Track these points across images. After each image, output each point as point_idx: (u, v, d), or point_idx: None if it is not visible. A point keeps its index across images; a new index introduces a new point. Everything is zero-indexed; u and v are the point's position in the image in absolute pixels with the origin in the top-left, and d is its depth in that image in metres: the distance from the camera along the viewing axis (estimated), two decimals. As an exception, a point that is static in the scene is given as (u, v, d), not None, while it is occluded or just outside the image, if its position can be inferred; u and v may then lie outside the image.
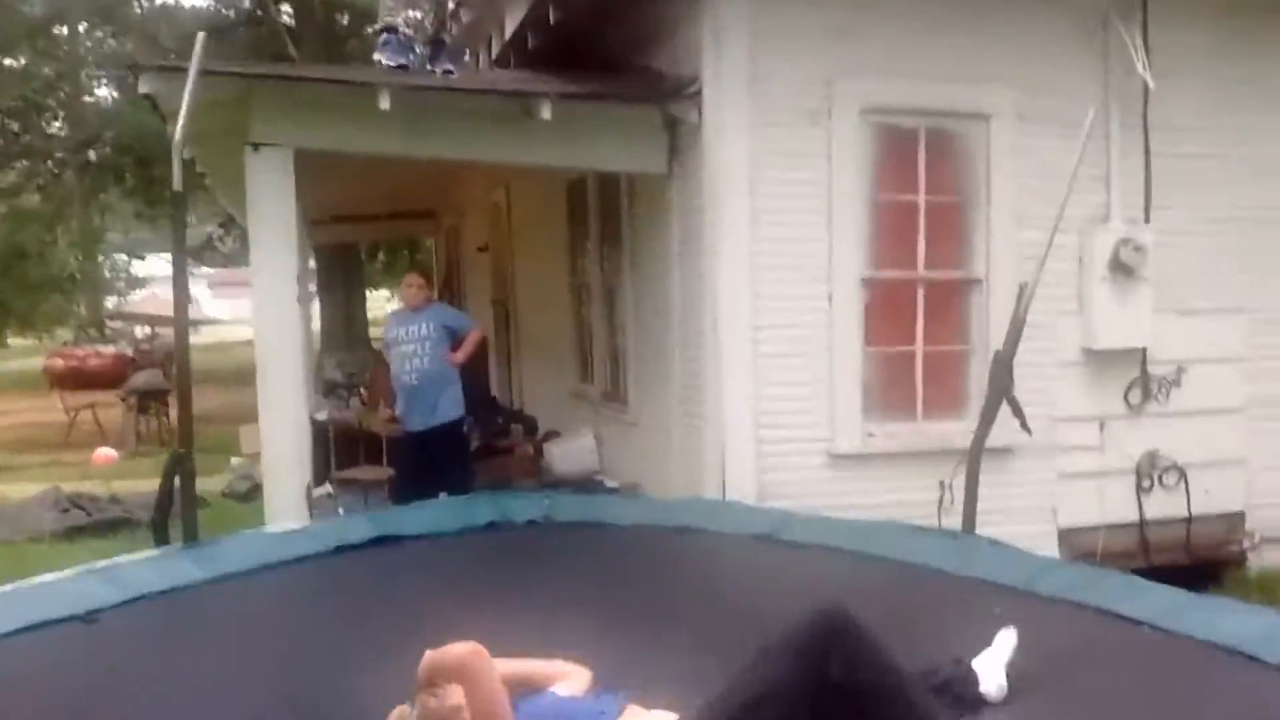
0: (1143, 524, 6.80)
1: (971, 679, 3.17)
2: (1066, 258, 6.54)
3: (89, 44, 23.36)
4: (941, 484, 6.25)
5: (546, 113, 5.65)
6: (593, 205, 8.08)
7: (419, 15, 6.20)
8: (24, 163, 19.97)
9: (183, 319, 4.97)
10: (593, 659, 3.13)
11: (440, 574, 4.39)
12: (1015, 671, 3.29)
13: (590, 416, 8.46)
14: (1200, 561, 6.87)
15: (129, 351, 21.03)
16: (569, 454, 8.22)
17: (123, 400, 14.49)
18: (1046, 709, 3.18)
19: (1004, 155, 6.39)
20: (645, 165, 6.44)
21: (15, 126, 19.34)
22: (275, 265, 5.77)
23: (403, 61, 6.08)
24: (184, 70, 4.83)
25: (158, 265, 25.96)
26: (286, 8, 20.80)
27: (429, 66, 6.15)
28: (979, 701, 3.15)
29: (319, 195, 12.25)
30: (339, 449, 7.21)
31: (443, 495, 5.98)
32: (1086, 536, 6.68)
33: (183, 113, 4.54)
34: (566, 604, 3.88)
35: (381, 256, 28.10)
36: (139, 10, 22.50)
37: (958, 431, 6.25)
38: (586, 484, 7.56)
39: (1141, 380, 6.80)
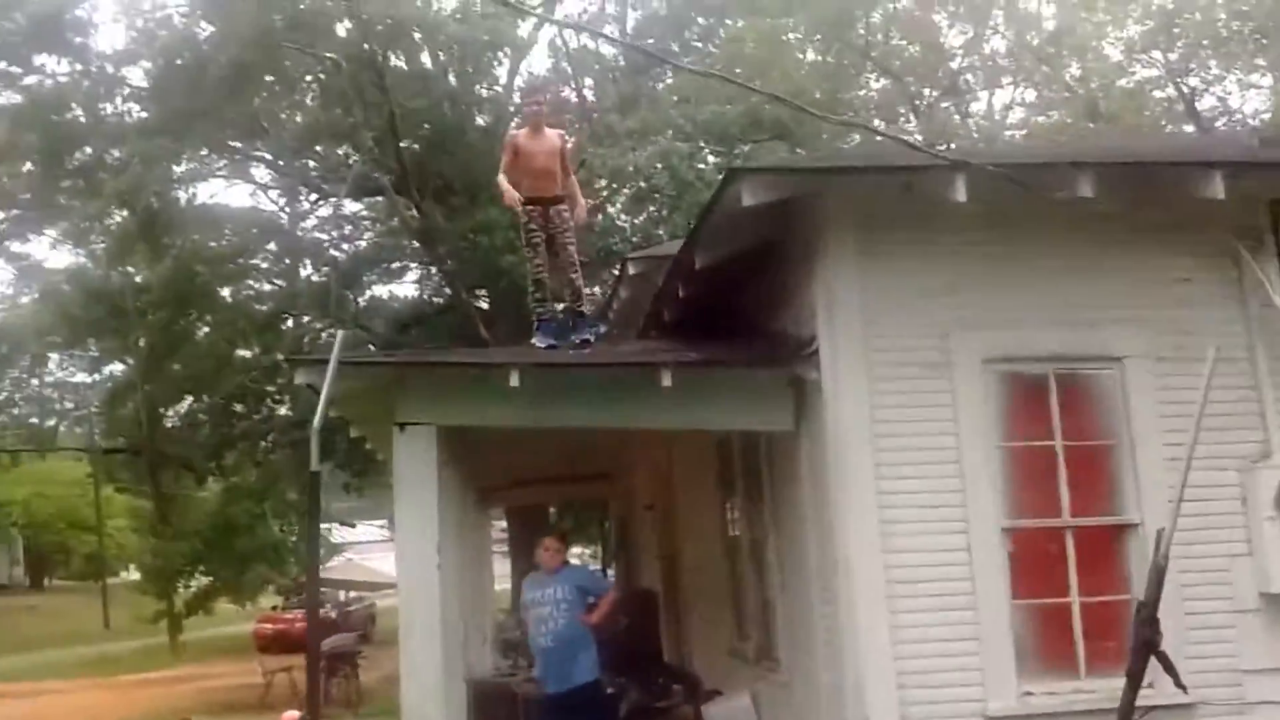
0: (1357, 788, 6.02)
1: None
2: (1229, 497, 6.21)
3: (306, 336, 25.85)
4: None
5: (667, 380, 5.93)
6: (737, 463, 8.22)
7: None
8: (244, 443, 21.83)
9: (314, 590, 5.35)
10: None
11: None
12: None
13: (748, 675, 8.29)
14: None
15: (332, 615, 21.99)
16: (726, 715, 8.03)
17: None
18: None
19: (1142, 396, 6.21)
20: (772, 424, 6.59)
21: (239, 409, 21.30)
22: (418, 535, 6.13)
23: (553, 343, 6.56)
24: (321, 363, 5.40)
25: (366, 531, 27.39)
26: (483, 292, 22.54)
27: (571, 336, 6.62)
28: None
29: (496, 461, 12.95)
30: (478, 708, 7.28)
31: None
32: (1286, 802, 5.96)
33: (322, 401, 5.03)
34: None
35: (573, 518, 28.92)
36: (355, 304, 24.83)
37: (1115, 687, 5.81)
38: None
39: (1336, 628, 6.19)
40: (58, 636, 30.34)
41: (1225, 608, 6.15)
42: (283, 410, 21.58)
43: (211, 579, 19.52)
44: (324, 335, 25.87)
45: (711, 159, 19.39)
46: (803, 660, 6.84)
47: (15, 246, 35.45)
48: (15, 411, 55.46)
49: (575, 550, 31.80)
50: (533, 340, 6.86)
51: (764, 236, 6.68)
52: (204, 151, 22.09)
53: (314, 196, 24.62)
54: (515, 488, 17.38)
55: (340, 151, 22.46)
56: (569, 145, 5.99)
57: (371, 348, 21.74)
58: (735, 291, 7.56)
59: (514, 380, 5.81)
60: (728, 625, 9.08)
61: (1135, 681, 4.75)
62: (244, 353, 23.18)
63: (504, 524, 24.39)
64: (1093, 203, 5.87)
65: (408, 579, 6.11)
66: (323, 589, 20.23)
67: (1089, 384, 6.30)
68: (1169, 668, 4.77)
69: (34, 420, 55.16)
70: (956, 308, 6.21)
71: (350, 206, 24.81)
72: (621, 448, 13.44)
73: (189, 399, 23.76)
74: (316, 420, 5.05)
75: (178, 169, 20.54)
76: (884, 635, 5.81)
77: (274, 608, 26.36)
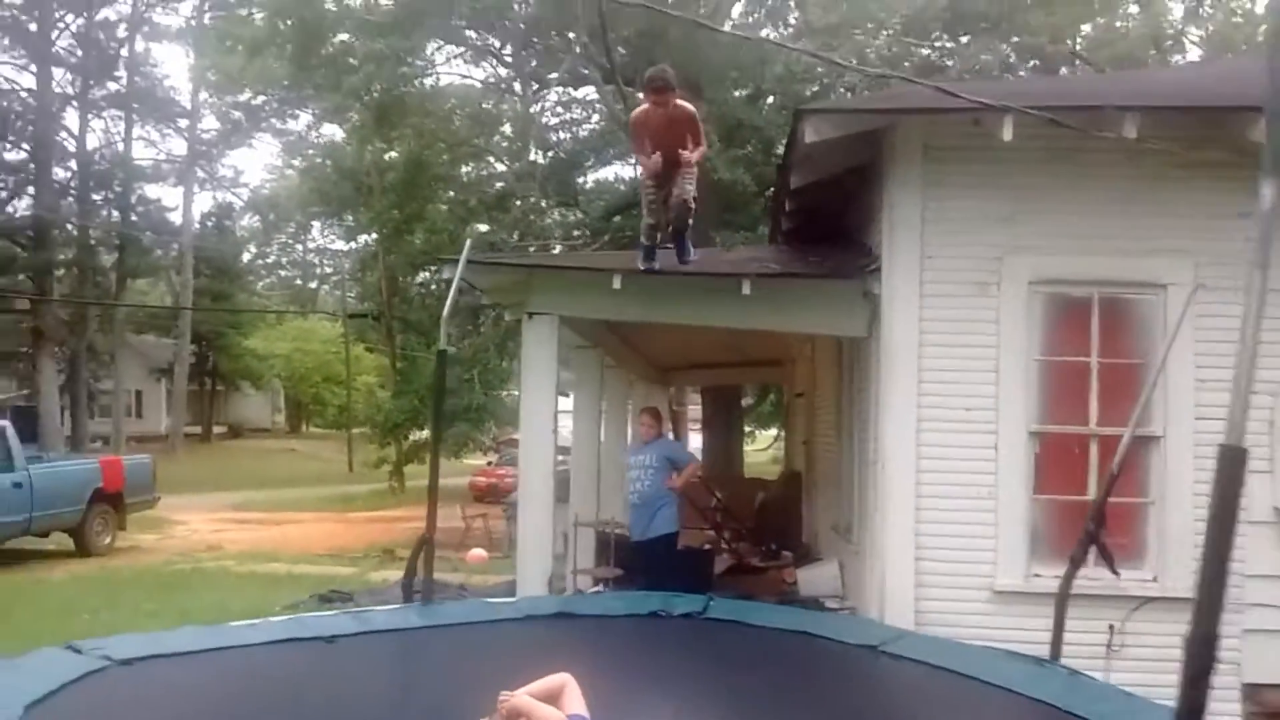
0: (1350, 692, 6.61)
1: None
2: (1259, 419, 6.73)
3: (531, 215, 27.73)
4: (1111, 628, 6.61)
5: (746, 289, 6.97)
6: (846, 362, 9.18)
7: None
8: (466, 315, 23.98)
9: (434, 463, 6.79)
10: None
11: (591, 643, 5.69)
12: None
13: (841, 547, 9.39)
14: None
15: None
16: (814, 579, 9.19)
17: (504, 511, 17.17)
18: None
19: (1182, 322, 6.76)
20: (847, 330, 7.54)
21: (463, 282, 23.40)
22: (540, 403, 7.50)
23: (653, 266, 7.57)
24: (476, 263, 6.78)
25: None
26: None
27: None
28: None
29: (671, 346, 14.30)
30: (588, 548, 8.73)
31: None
32: (1274, 694, 6.63)
33: (452, 292, 6.40)
34: (675, 675, 5.02)
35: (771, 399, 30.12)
36: (576, 186, 26.40)
37: (1132, 579, 6.62)
38: (816, 604, 8.48)
39: (1346, 543, 6.70)
40: (308, 476, 34.53)
41: (1241, 519, 6.73)
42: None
43: (425, 432, 22.08)
44: (550, 215, 27.76)
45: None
46: (867, 535, 7.88)
47: (279, 125, 39.47)
48: (282, 274, 61.67)
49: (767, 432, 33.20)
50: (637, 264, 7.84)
51: (859, 159, 7.52)
52: (439, 43, 23.94)
53: (536, 86, 26.17)
54: (693, 369, 18.79)
55: (561, 40, 23.70)
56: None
57: (576, 233, 23.39)
58: (845, 205, 8.45)
59: (616, 284, 7.01)
60: (836, 504, 10.15)
61: (1076, 564, 5.61)
62: (481, 227, 25.21)
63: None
64: (1147, 139, 6.40)
65: (529, 441, 7.51)
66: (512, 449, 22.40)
67: (1130, 308, 6.91)
68: (1107, 558, 5.58)
69: (298, 282, 61.12)
70: (1011, 234, 6.93)
71: (575, 92, 26.26)
72: (789, 339, 14.51)
73: (425, 270, 26.11)
74: (446, 309, 6.43)
75: (415, 62, 22.41)
76: (909, 515, 6.80)
77: (488, 463, 29.21)
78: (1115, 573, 5.79)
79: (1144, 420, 6.82)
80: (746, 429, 28.85)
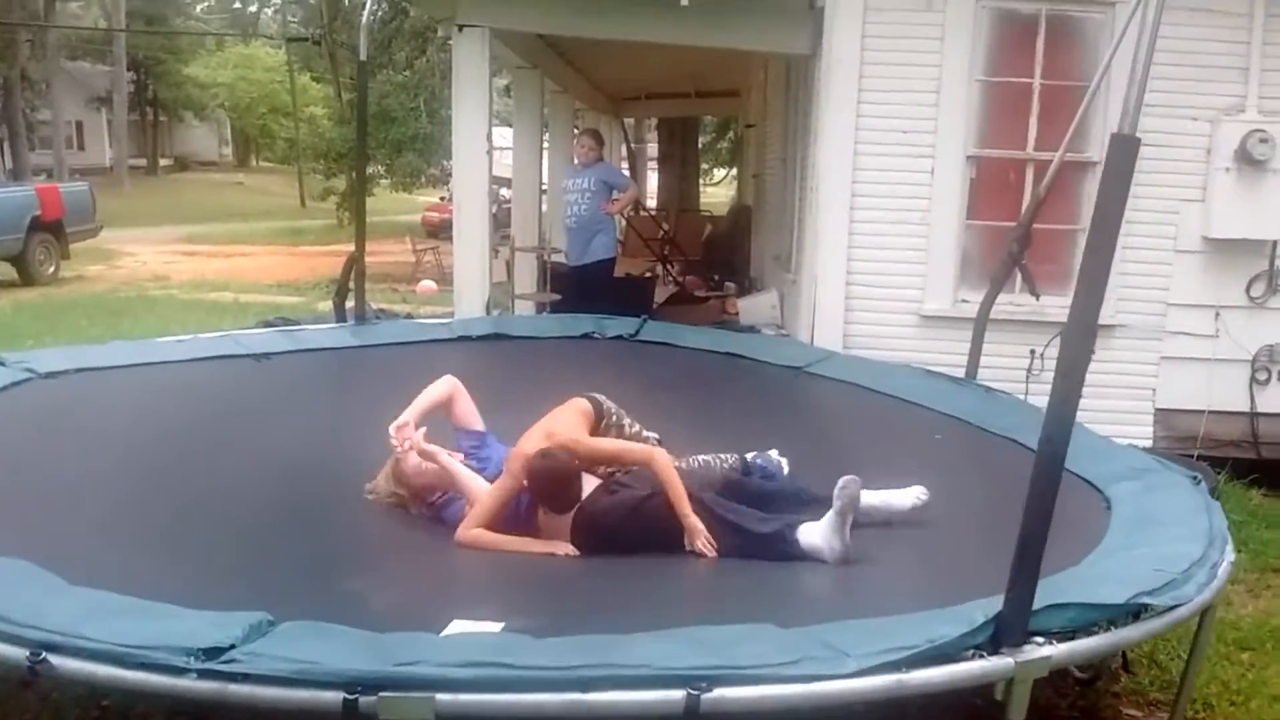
0: (1254, 415, 6.92)
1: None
2: (1196, 146, 6.70)
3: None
4: (1032, 352, 6.78)
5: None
6: (793, 87, 8.91)
7: None
8: (413, 39, 23.02)
9: (362, 169, 6.57)
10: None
11: (522, 362, 5.78)
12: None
13: (780, 277, 9.46)
14: (1318, 460, 6.90)
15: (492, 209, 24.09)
16: (753, 307, 9.31)
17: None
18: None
19: (1128, 41, 6.56)
20: (790, 46, 7.27)
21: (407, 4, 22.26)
22: (472, 125, 7.25)
23: None
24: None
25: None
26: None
27: None
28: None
29: (621, 72, 13.83)
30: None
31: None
32: (1186, 419, 6.94)
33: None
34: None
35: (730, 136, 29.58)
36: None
37: (1056, 305, 6.73)
38: (754, 331, 8.62)
39: (1269, 274, 6.82)
40: (258, 210, 33.98)
41: (1167, 246, 6.82)
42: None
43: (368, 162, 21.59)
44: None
45: None
46: (802, 261, 7.91)
47: None
48: (219, -4, 58.32)
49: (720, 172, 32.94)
50: None
51: None
52: None
53: None
54: (650, 99, 18.31)
55: None
56: None
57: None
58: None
59: (549, -10, 6.65)
60: (779, 234, 10.14)
61: (997, 286, 5.69)
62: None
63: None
64: None
65: (462, 163, 7.31)
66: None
67: (1078, 26, 6.69)
68: (1028, 279, 5.65)
69: (237, 5, 57.91)
70: (961, -56, 6.59)
71: None
72: (746, 66, 14.06)
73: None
74: (364, 16, 6.09)
75: None
76: (841, 238, 6.81)
77: (441, 198, 28.82)
78: (1036, 295, 5.88)
79: (1078, 144, 6.74)
80: (705, 166, 28.53)
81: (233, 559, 3.36)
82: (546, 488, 3.84)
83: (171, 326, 11.32)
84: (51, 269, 16.53)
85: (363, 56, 6.38)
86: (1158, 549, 3.19)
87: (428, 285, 15.49)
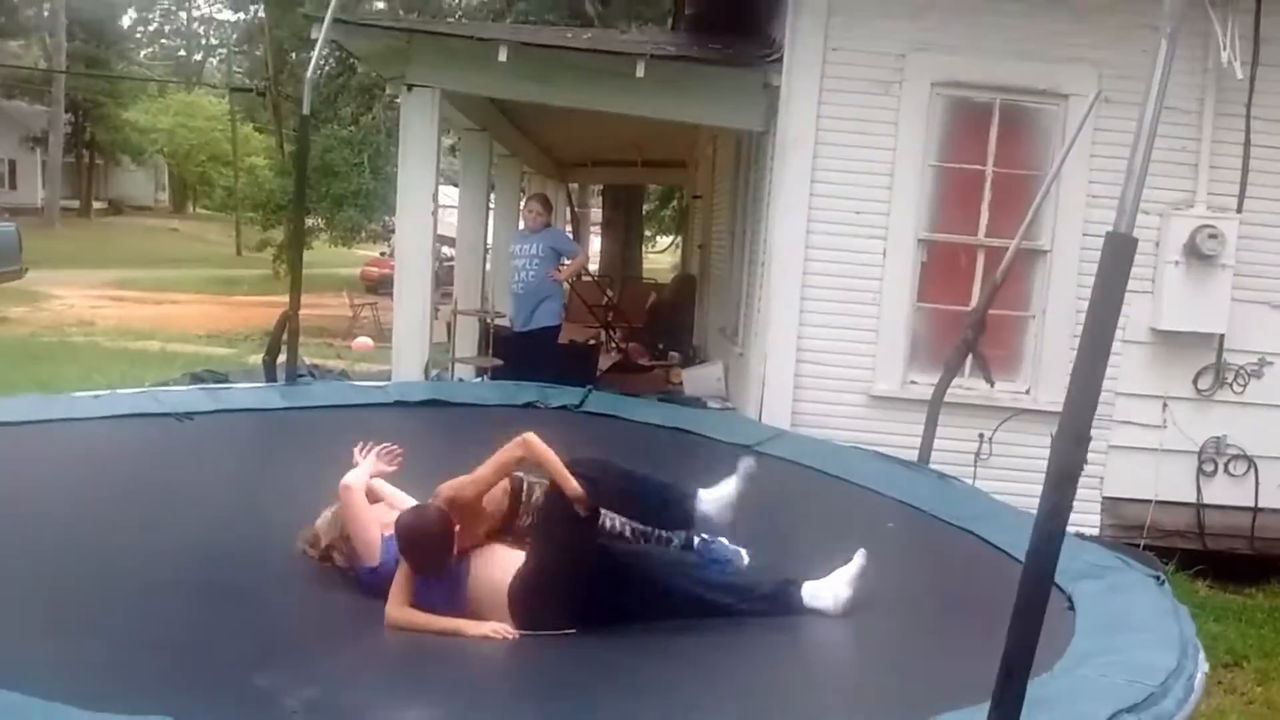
0: (1200, 507, 6.90)
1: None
2: (1145, 239, 6.71)
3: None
4: (980, 436, 6.71)
5: (640, 71, 6.56)
6: (744, 161, 8.88)
7: None
8: (360, 95, 22.90)
9: (300, 222, 6.36)
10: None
11: (460, 432, 5.53)
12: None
13: (727, 350, 9.35)
14: (1262, 554, 6.88)
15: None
16: (697, 379, 9.16)
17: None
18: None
19: (1080, 133, 6.61)
20: (743, 122, 7.23)
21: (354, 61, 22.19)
22: (418, 183, 7.09)
23: None
24: (348, 24, 6.22)
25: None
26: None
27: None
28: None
29: (569, 138, 13.77)
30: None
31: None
32: (1133, 508, 6.91)
33: (315, 52, 5.88)
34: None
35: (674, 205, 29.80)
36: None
37: (1005, 390, 6.68)
38: (698, 403, 8.46)
39: (1216, 367, 6.85)
40: (192, 257, 33.40)
41: (1117, 336, 6.79)
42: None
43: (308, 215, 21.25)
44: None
45: None
46: (751, 336, 7.80)
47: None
48: (164, 43, 57.86)
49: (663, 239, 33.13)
50: None
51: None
52: None
53: None
54: (595, 166, 18.28)
55: None
56: None
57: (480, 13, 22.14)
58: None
59: (501, 55, 6.51)
60: (725, 307, 10.06)
61: (951, 371, 5.60)
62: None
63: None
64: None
65: (406, 221, 7.13)
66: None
67: (1031, 117, 6.74)
68: (983, 367, 5.59)
69: (181, 54, 57.46)
70: (917, 31, 6.62)
71: None
72: (693, 138, 14.12)
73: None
74: (310, 70, 5.92)
75: None
76: (793, 315, 6.72)
77: (381, 253, 28.51)
78: (990, 382, 5.82)
79: (1032, 233, 6.75)
80: (647, 233, 28.64)
81: (139, 647, 3.05)
82: (410, 543, 3.48)
83: (93, 376, 10.90)
84: (-30, 311, 15.95)
85: (306, 110, 6.18)
86: (1129, 657, 3.05)
87: (364, 342, 15.16)
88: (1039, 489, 5.58)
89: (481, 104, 8.65)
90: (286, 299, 6.39)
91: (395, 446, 4.03)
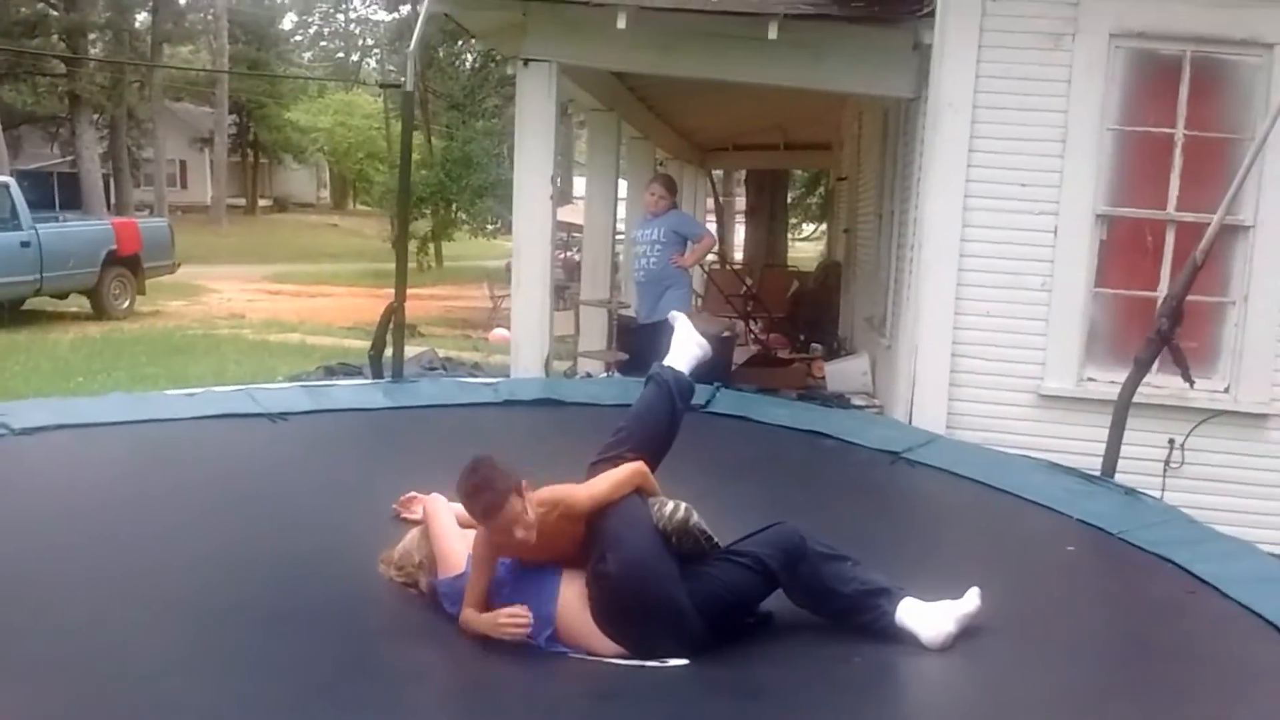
0: None
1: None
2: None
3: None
4: (1171, 442, 5.84)
5: (773, 33, 5.92)
6: (891, 136, 8.13)
7: None
8: (501, 86, 22.90)
9: (405, 195, 5.93)
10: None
11: (572, 434, 5.01)
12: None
13: (873, 340, 8.63)
14: None
15: (576, 258, 23.66)
16: (842, 373, 8.48)
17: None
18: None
19: (1289, 89, 5.67)
20: (890, 89, 6.51)
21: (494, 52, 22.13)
22: (535, 165, 6.62)
23: None
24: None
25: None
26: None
27: None
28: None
29: (705, 119, 13.21)
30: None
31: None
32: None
33: (419, 24, 5.45)
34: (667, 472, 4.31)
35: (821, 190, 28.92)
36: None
37: (1200, 388, 5.78)
38: (843, 400, 7.78)
39: None
40: (349, 252, 34.11)
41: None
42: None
43: (450, 207, 21.21)
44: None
45: None
46: (900, 328, 7.07)
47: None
48: (323, 45, 59.69)
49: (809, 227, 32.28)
50: None
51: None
52: None
53: None
54: (738, 150, 17.66)
55: None
56: None
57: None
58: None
59: (620, 22, 5.98)
60: (872, 294, 9.32)
61: (1143, 367, 4.79)
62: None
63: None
64: None
65: (522, 206, 6.66)
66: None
67: (1229, 72, 5.80)
68: (1180, 362, 4.75)
69: (340, 55, 59.17)
70: (1093, -29, 5.77)
71: None
72: (838, 115, 13.35)
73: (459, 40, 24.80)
74: (413, 44, 5.50)
75: None
76: (947, 303, 5.96)
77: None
78: (1190, 381, 4.97)
79: (1234, 206, 5.83)
80: (794, 220, 27.79)
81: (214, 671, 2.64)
82: (472, 469, 3.05)
83: (229, 368, 10.91)
84: (126, 303, 16.40)
85: (409, 85, 5.77)
86: None
87: (500, 333, 14.89)
88: (1238, 502, 4.69)
89: (607, 81, 8.14)
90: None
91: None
